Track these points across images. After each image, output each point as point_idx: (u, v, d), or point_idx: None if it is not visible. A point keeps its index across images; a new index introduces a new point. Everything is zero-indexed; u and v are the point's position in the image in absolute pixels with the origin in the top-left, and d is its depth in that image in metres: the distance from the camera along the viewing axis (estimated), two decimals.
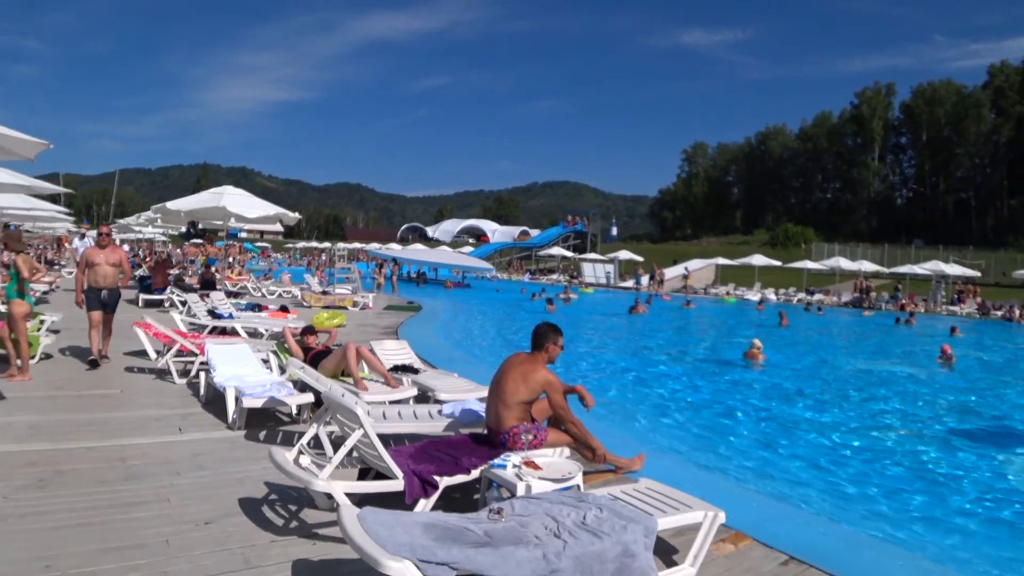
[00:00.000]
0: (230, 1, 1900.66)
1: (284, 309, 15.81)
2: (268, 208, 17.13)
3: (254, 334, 12.85)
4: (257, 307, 15.60)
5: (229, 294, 18.80)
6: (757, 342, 15.79)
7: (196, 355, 9.02)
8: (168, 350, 9.09)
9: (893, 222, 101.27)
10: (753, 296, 43.73)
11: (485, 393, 6.02)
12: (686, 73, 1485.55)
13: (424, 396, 7.68)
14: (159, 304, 17.89)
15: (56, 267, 34.84)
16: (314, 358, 7.94)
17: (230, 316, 13.29)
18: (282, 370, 8.03)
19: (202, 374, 8.10)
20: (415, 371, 8.50)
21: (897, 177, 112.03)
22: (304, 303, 20.78)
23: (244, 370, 7.67)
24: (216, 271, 28.47)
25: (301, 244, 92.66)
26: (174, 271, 27.01)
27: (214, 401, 7.76)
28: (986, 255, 68.03)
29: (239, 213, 16.28)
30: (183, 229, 31.67)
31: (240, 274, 28.94)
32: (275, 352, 8.60)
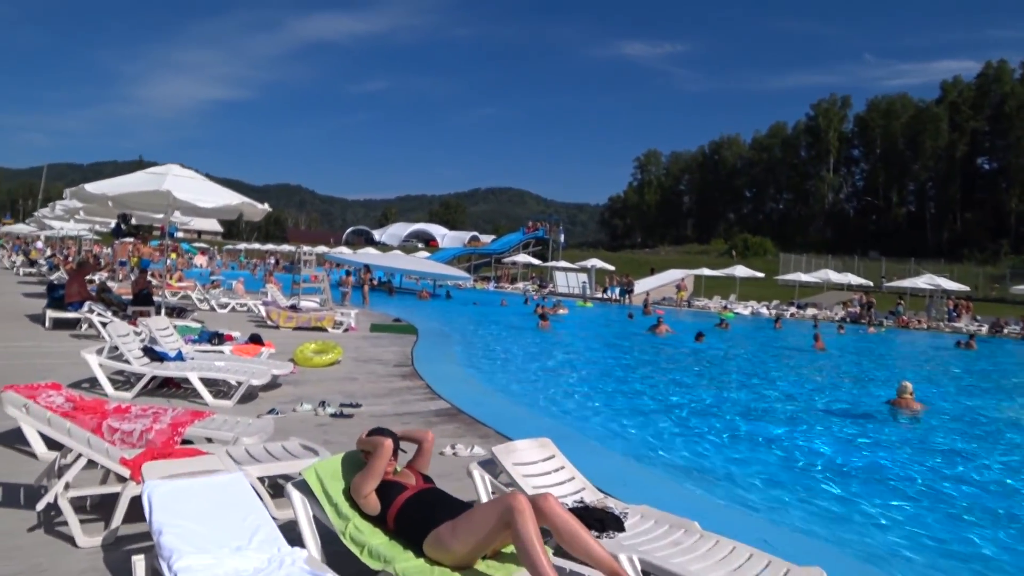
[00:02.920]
0: None
1: (256, 340, 11.46)
2: (228, 196, 12.61)
3: (220, 392, 8.55)
4: (216, 336, 11.20)
5: (171, 311, 14.37)
6: (908, 385, 12.04)
7: (123, 480, 4.56)
8: (66, 459, 4.72)
9: (847, 233, 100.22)
10: (743, 310, 40.44)
11: None
12: (628, 84, 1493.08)
13: None
14: (74, 325, 13.35)
15: None
16: (405, 508, 3.77)
17: (179, 357, 8.90)
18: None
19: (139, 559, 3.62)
20: (616, 521, 4.30)
21: (849, 189, 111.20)
22: (270, 322, 16.32)
23: (228, 546, 3.43)
24: (153, 277, 23.84)
25: (243, 245, 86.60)
26: (100, 275, 22.20)
27: None
28: (947, 268, 66.44)
29: (189, 202, 11.80)
30: (112, 224, 26.46)
31: (181, 280, 24.23)
32: (302, 488, 4.18)
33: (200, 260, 58.33)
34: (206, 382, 8.30)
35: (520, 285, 53.92)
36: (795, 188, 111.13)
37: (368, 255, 45.80)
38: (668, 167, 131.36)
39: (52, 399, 5.93)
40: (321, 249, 47.29)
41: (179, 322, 12.39)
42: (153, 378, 8.32)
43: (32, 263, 33.98)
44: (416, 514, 3.73)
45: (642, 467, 7.78)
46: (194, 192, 11.94)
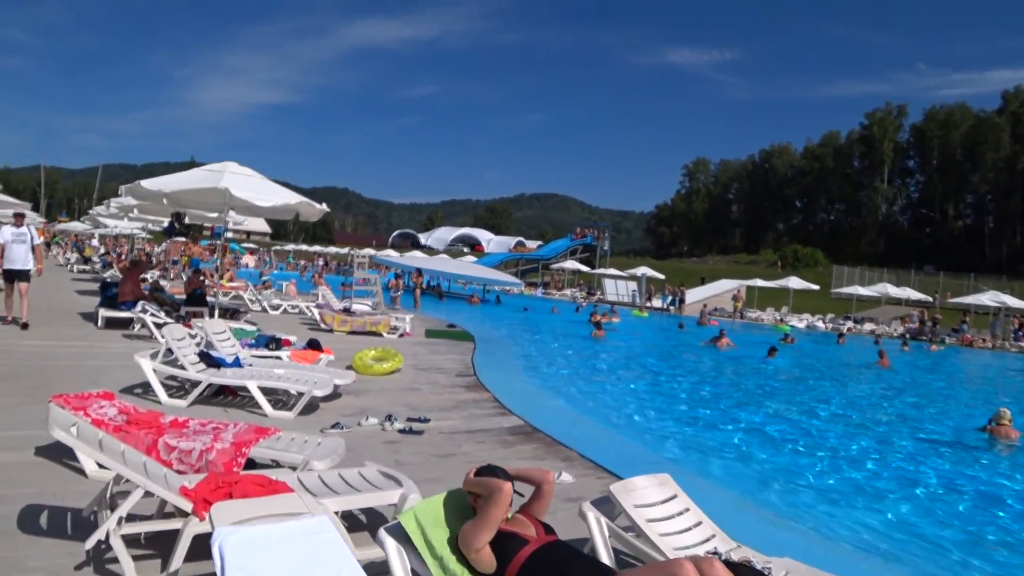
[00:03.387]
0: (219, 1, 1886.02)
1: (314, 345, 10.87)
2: (287, 195, 12.05)
3: (280, 402, 7.98)
4: (273, 340, 10.63)
5: (224, 312, 13.91)
6: (1007, 412, 11.10)
7: (186, 515, 3.92)
8: (120, 484, 4.09)
9: (900, 246, 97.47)
10: (799, 323, 39.13)
11: None
12: (674, 91, 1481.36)
13: None
14: (126, 324, 12.93)
15: None
16: (529, 567, 3.08)
17: (236, 363, 8.33)
18: None
19: None
20: None
21: (904, 200, 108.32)
22: (323, 326, 15.78)
23: None
24: (205, 277, 23.71)
25: (291, 247, 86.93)
26: (153, 273, 21.93)
27: None
28: (1008, 284, 64.05)
29: (247, 200, 11.26)
30: (165, 223, 26.22)
31: (232, 280, 23.89)
32: (397, 535, 3.47)
33: (248, 260, 58.41)
34: (265, 391, 7.71)
35: (568, 292, 53.10)
36: (847, 199, 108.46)
37: (415, 258, 45.39)
38: (717, 175, 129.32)
39: (104, 410, 5.39)
40: (368, 251, 46.95)
41: (233, 324, 11.89)
42: (209, 385, 7.75)
43: (86, 260, 34.03)
44: (544, 575, 3.04)
45: (755, 504, 6.92)
46: (252, 190, 11.39)
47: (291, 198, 11.88)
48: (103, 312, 13.10)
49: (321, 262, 61.53)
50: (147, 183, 11.77)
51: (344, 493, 4.31)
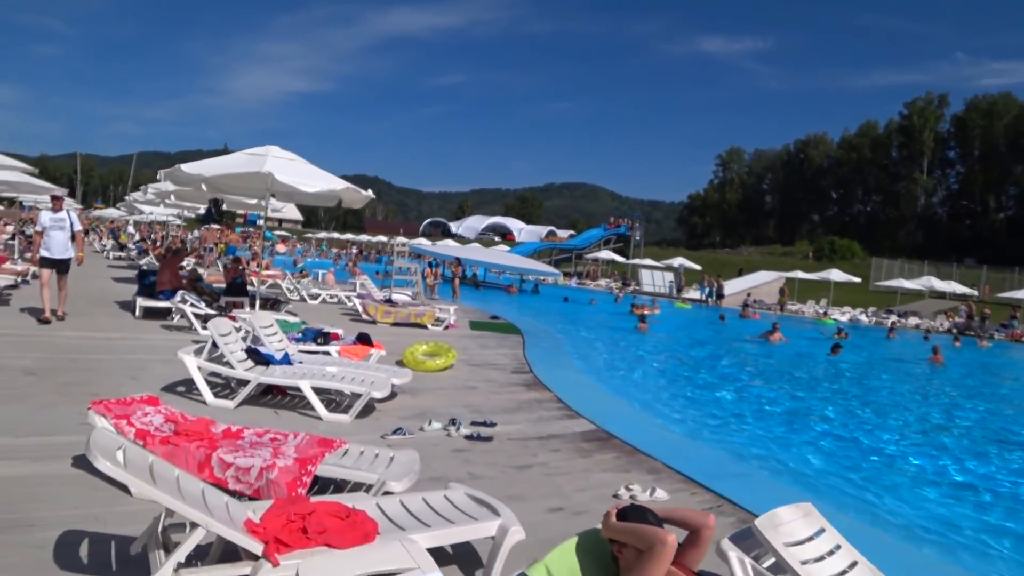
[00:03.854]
0: None
1: (364, 339, 10.23)
2: (332, 181, 11.39)
3: (333, 402, 7.36)
4: (321, 335, 10.00)
5: (265, 302, 13.34)
6: None
7: (254, 558, 3.22)
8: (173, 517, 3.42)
9: (939, 239, 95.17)
10: (842, 317, 37.96)
11: None
12: (706, 80, 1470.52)
13: None
14: (164, 314, 12.40)
15: None
16: None
17: (285, 360, 7.70)
18: None
19: None
20: None
21: (943, 192, 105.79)
22: (365, 317, 15.15)
23: None
24: (243, 266, 23.32)
25: (323, 234, 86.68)
26: (189, 261, 21.49)
27: None
28: None
29: (291, 186, 10.62)
30: (202, 209, 25.63)
31: (269, 268, 23.43)
32: None
33: (280, 248, 58.11)
34: (318, 391, 7.08)
35: (602, 282, 52.14)
36: (884, 190, 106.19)
37: (448, 247, 44.75)
38: (751, 165, 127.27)
39: (149, 418, 4.78)
40: (400, 240, 46.47)
41: (275, 315, 11.30)
42: (257, 384, 7.13)
43: (122, 247, 33.82)
44: None
45: (885, 532, 6.01)
46: (296, 175, 10.75)
47: (336, 184, 11.24)
48: (141, 301, 12.55)
49: (355, 250, 61.07)
50: (187, 167, 11.20)
51: (435, 525, 3.64)
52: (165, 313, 12.48)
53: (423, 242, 59.39)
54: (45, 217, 11.10)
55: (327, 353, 9.16)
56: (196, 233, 45.21)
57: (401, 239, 27.62)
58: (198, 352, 7.23)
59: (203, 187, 13.61)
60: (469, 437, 6.76)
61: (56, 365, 8.09)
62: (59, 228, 10.99)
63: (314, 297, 18.72)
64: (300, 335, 9.94)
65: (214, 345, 7.41)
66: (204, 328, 10.44)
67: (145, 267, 21.52)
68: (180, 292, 11.92)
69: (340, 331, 10.64)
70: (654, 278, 47.77)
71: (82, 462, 4.92)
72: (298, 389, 7.04)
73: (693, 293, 43.98)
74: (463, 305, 22.94)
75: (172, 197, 19.40)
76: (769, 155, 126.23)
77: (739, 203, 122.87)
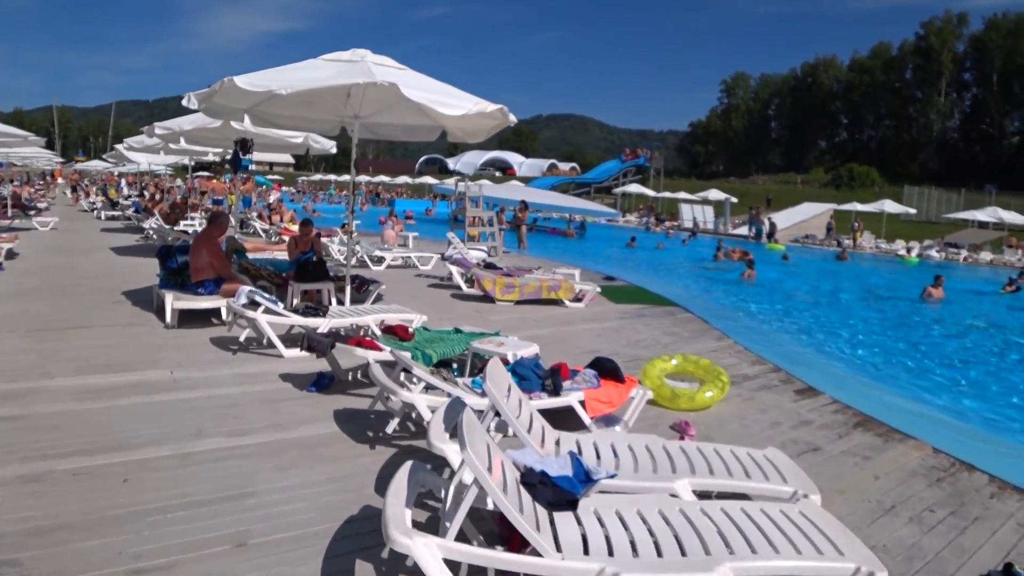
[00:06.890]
0: None
1: (609, 370, 6.04)
2: (470, 100, 7.17)
3: None
4: (550, 375, 5.73)
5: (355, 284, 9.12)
6: None
7: None
8: None
9: (955, 165, 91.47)
10: (936, 254, 34.13)
11: None
12: (693, 4, 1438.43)
13: None
14: (206, 317, 8.52)
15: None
16: None
17: (591, 478, 3.87)
18: None
19: None
20: None
21: (960, 115, 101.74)
22: (474, 291, 11.35)
23: None
24: (262, 220, 19.38)
25: (317, 177, 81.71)
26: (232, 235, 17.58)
27: None
28: None
29: (428, 105, 6.66)
30: (211, 156, 21.27)
31: (294, 222, 19.61)
32: None
33: (276, 196, 52.77)
34: None
35: (631, 218, 47.95)
36: (896, 114, 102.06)
37: (512, 188, 40.85)
38: (757, 91, 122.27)
39: None
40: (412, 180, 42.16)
41: (408, 314, 7.38)
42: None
43: (113, 204, 28.20)
44: None
45: None
46: (427, 91, 6.87)
47: (483, 104, 7.26)
48: (171, 301, 8.14)
49: (388, 195, 55.88)
50: (242, 81, 6.98)
51: None
52: (207, 315, 8.53)
53: (485, 184, 54.52)
54: None
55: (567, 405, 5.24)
56: (179, 183, 39.68)
57: (469, 183, 23.30)
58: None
59: (244, 120, 9.83)
60: None
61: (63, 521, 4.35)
62: None
63: (377, 262, 14.79)
64: (517, 378, 4.85)
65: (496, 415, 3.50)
66: (292, 346, 6.74)
67: (152, 232, 17.46)
68: (246, 291, 7.43)
69: (566, 362, 6.28)
70: (694, 212, 43.63)
71: None
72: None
73: (741, 229, 40.21)
74: (528, 256, 19.27)
75: (182, 140, 15.06)
76: (775, 80, 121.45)
77: (745, 130, 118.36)
